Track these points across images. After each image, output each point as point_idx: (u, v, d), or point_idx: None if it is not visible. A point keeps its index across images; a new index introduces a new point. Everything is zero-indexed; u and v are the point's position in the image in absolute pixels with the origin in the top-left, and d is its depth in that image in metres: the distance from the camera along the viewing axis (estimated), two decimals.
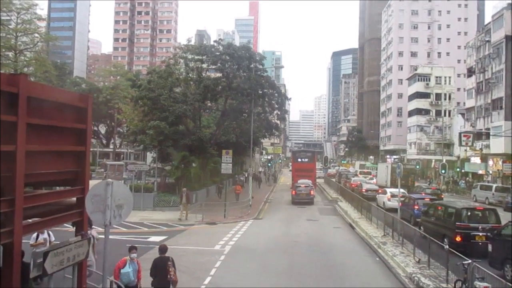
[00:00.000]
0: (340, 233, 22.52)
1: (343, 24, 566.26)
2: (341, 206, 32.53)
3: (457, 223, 16.69)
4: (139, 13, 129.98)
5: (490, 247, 14.17)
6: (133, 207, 25.85)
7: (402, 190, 27.83)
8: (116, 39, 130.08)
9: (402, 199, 26.21)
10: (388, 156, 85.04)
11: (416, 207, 24.05)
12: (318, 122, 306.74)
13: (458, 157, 60.43)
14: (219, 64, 33.76)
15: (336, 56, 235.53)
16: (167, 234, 20.32)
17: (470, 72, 56.49)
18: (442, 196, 33.84)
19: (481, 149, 49.21)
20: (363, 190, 37.07)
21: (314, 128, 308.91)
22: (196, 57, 34.05)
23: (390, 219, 19.71)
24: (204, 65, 34.71)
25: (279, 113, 39.63)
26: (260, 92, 34.63)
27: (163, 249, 9.85)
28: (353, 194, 33.75)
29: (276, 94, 37.06)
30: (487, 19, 75.72)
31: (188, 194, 25.28)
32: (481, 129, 49.30)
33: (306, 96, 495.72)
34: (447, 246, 15.64)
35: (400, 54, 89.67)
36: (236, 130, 38.01)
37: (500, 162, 46.24)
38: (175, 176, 30.00)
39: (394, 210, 25.95)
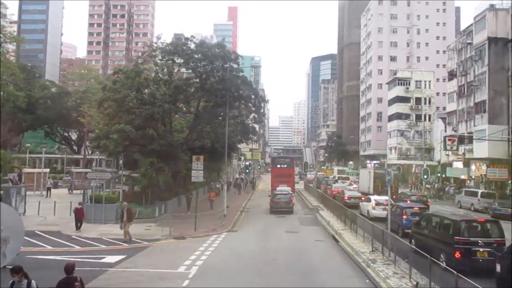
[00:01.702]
0: (323, 248, 20.31)
1: (322, 29, 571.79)
2: (323, 215, 30.40)
3: (455, 237, 14.65)
4: (114, 16, 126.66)
5: (498, 267, 12.14)
6: (94, 220, 22.60)
7: (387, 198, 25.89)
8: (90, 43, 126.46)
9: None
10: (368, 161, 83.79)
11: (404, 216, 22.08)
12: (297, 128, 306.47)
13: (439, 162, 59.41)
14: (191, 64, 31.48)
15: (315, 61, 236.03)
16: (127, 253, 17.71)
17: (451, 75, 55.44)
18: (429, 203, 32.10)
19: (464, 153, 47.98)
20: (346, 198, 35.03)
21: (293, 133, 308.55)
22: (167, 57, 31.58)
23: (378, 231, 17.60)
24: (176, 68, 32.46)
25: (256, 116, 37.41)
26: (236, 94, 32.29)
27: (68, 268, 8.31)
28: (335, 202, 31.63)
29: (253, 96, 34.81)
30: (463, 24, 75.81)
31: (130, 210, 21.04)
32: (464, 133, 48.09)
33: (286, 102, 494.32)
34: (445, 264, 13.75)
35: (380, 58, 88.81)
36: (211, 135, 35.54)
37: (484, 167, 45.07)
38: (142, 184, 27.30)
39: (379, 219, 24.15)
